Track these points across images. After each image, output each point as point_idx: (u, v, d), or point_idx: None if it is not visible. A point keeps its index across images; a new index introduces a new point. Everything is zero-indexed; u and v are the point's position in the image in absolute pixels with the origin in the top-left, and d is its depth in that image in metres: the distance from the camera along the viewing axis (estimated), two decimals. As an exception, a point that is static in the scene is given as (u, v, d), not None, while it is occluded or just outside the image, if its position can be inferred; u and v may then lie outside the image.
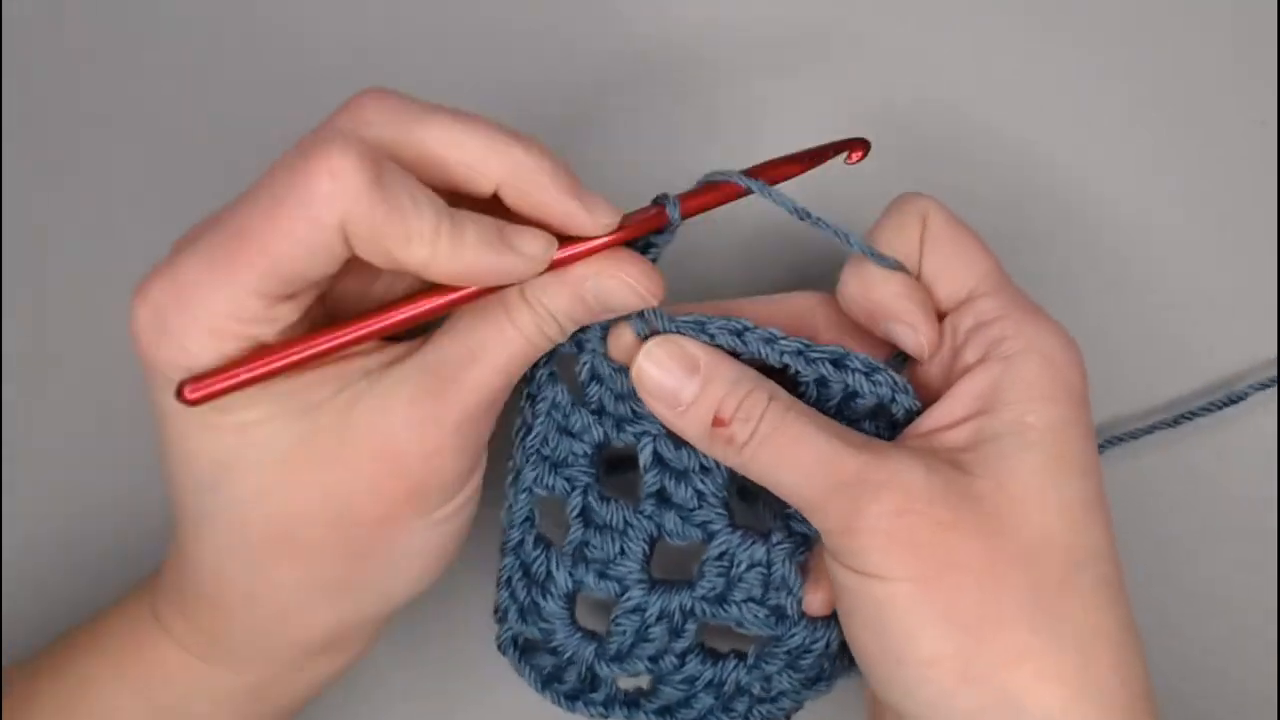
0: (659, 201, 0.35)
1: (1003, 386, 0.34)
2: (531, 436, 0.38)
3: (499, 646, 0.39)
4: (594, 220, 0.33)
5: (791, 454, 0.33)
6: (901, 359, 0.38)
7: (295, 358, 0.32)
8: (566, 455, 0.38)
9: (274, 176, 0.31)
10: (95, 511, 0.44)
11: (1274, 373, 0.46)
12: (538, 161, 0.32)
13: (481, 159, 0.32)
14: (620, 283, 0.33)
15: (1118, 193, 0.47)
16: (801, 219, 0.35)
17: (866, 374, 0.35)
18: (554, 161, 0.33)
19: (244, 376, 0.31)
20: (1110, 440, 0.45)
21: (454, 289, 0.33)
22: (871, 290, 0.36)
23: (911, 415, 0.36)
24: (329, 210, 0.30)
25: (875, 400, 0.35)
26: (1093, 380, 0.35)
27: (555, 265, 0.33)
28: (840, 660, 0.39)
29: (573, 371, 0.37)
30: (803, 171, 0.36)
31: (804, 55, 0.47)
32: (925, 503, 0.32)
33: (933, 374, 0.37)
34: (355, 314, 0.33)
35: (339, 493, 0.33)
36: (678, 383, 0.34)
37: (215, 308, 0.31)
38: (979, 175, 0.47)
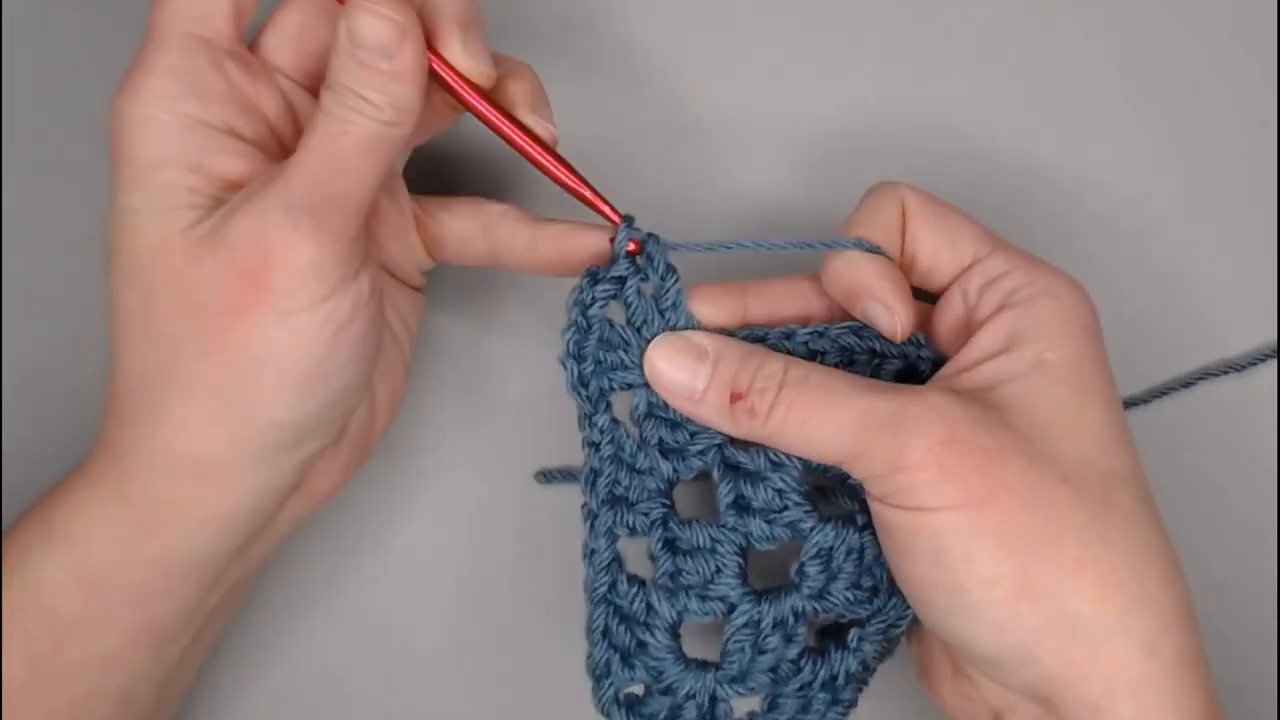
0: (629, 225, 0.37)
1: (1020, 328, 0.35)
2: (602, 479, 0.37)
3: (601, 709, 0.38)
4: (467, 54, 0.35)
5: (822, 410, 0.34)
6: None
7: None
8: (642, 494, 0.38)
9: None
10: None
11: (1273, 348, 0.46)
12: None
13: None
14: (362, 13, 0.33)
15: (1117, 192, 0.47)
16: (729, 249, 0.37)
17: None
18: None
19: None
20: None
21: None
22: (851, 270, 0.37)
23: (936, 367, 0.37)
24: None
25: (901, 361, 0.37)
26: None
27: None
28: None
29: (629, 412, 0.38)
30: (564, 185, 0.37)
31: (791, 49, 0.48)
32: (968, 430, 0.33)
33: (952, 337, 0.37)
34: None
35: (188, 282, 0.34)
36: (690, 372, 0.36)
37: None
38: (977, 174, 0.47)
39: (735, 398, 0.35)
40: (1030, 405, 0.34)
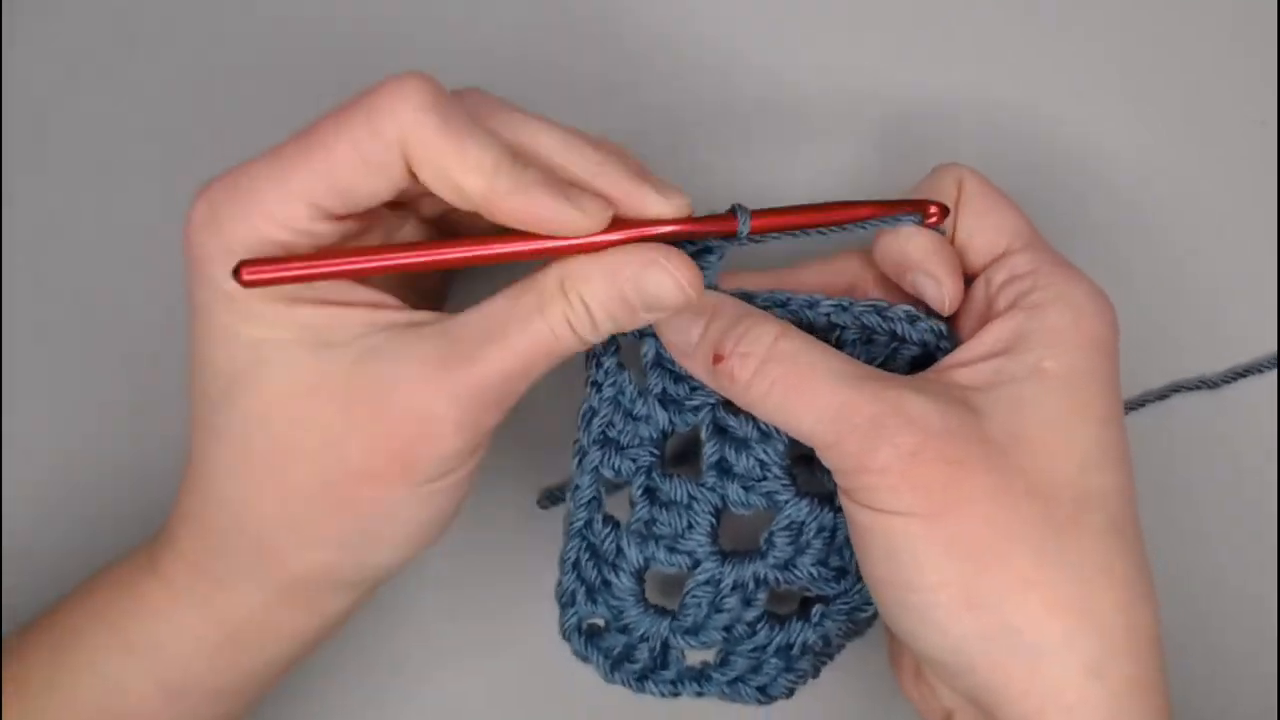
0: (732, 210, 0.35)
1: (1025, 332, 0.35)
2: (598, 419, 0.38)
3: (563, 633, 0.39)
4: (666, 199, 0.34)
5: (803, 395, 0.34)
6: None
7: (356, 265, 0.33)
8: (632, 438, 0.38)
9: (350, 100, 0.32)
10: (95, 504, 0.44)
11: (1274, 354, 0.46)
12: (609, 153, 0.34)
13: (557, 150, 0.34)
14: (662, 271, 0.33)
15: (1117, 192, 0.47)
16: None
17: (910, 321, 0.37)
18: (623, 153, 0.34)
19: (300, 270, 0.32)
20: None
21: (513, 238, 0.33)
22: (902, 243, 0.37)
23: None
24: (390, 122, 0.31)
25: (920, 348, 0.37)
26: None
27: (613, 243, 0.33)
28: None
29: (638, 360, 0.38)
30: (871, 217, 0.37)
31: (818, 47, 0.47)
32: (938, 444, 0.33)
33: (968, 327, 0.38)
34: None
35: (334, 438, 0.33)
36: (687, 326, 0.36)
37: (265, 207, 0.32)
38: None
39: (717, 358, 0.35)
40: (1016, 414, 0.34)
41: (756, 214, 0.35)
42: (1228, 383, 0.45)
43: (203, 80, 0.46)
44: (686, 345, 0.36)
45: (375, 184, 0.32)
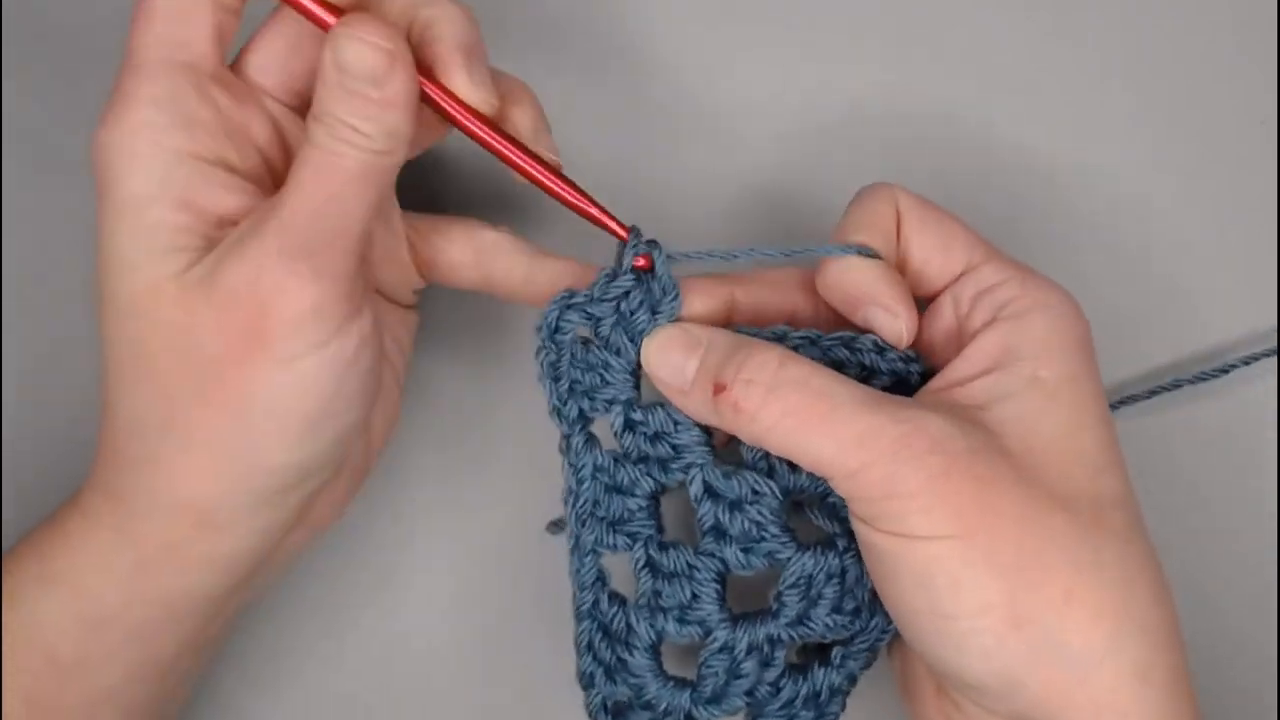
0: (635, 239, 0.36)
1: (1013, 344, 0.34)
2: (581, 502, 0.37)
3: (590, 714, 0.38)
4: (474, 85, 0.34)
5: (821, 423, 0.33)
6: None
7: None
8: (622, 512, 0.37)
9: None
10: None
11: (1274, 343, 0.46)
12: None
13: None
14: (347, 40, 0.32)
15: (1117, 192, 0.47)
16: (732, 258, 0.37)
17: (879, 352, 0.36)
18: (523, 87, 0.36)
19: None
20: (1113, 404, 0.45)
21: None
22: (847, 276, 0.36)
23: (925, 379, 0.36)
24: None
25: (891, 378, 0.36)
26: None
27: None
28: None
29: (609, 433, 0.37)
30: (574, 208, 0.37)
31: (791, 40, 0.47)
32: (966, 461, 0.32)
33: (941, 346, 0.37)
34: None
35: (183, 327, 0.33)
36: (680, 361, 0.35)
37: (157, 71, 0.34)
38: (976, 173, 0.46)
39: (718, 389, 0.34)
40: (1025, 427, 0.33)
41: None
42: (1224, 373, 0.45)
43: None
44: (682, 382, 0.35)
45: None
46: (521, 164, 0.36)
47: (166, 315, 0.33)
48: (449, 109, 0.35)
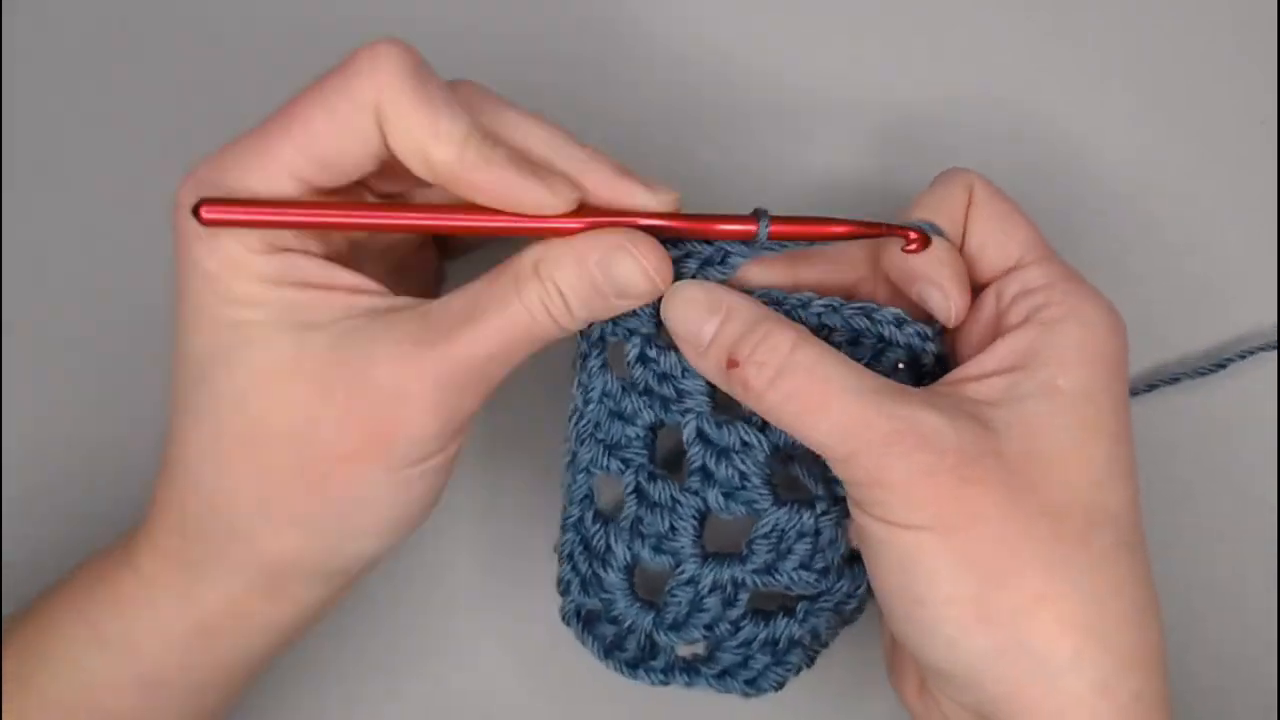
0: (755, 214, 0.35)
1: (1038, 348, 0.34)
2: (585, 421, 0.39)
3: (563, 618, 0.40)
4: (653, 194, 0.34)
5: (820, 408, 0.33)
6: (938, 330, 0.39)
7: (318, 218, 0.33)
8: (620, 438, 0.39)
9: (326, 74, 0.33)
10: (100, 502, 0.44)
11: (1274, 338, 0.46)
12: (596, 153, 0.34)
13: (542, 142, 0.34)
14: (629, 256, 0.33)
15: (1117, 192, 0.47)
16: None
17: (897, 325, 0.37)
18: (609, 157, 0.35)
19: (260, 215, 0.32)
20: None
21: (481, 214, 0.33)
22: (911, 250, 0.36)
23: (941, 366, 0.37)
24: (366, 85, 0.31)
25: (906, 351, 0.37)
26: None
27: (592, 226, 0.33)
28: (870, 595, 0.39)
29: (623, 360, 0.38)
30: (848, 237, 0.36)
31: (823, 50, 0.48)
32: (953, 461, 0.32)
33: (977, 336, 0.37)
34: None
35: (309, 419, 0.33)
36: (699, 322, 0.35)
37: (249, 184, 0.32)
38: (977, 170, 0.46)
39: (732, 363, 0.34)
40: (1030, 432, 0.33)
41: (779, 219, 0.35)
42: (1221, 368, 0.45)
43: (203, 80, 0.47)
44: (698, 343, 0.35)
45: (353, 150, 0.32)
46: (703, 228, 0.35)
47: (298, 396, 0.33)
48: (645, 224, 0.34)
